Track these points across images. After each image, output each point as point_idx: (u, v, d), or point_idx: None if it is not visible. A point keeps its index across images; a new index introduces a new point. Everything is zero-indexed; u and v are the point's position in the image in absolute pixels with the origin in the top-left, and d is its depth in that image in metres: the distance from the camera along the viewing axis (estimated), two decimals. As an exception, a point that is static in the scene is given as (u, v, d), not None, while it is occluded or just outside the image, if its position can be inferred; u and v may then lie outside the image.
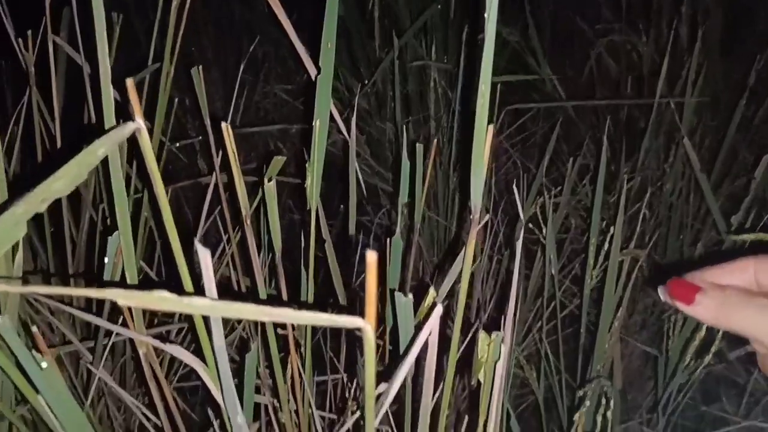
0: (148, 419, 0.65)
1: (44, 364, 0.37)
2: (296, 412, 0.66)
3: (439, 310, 0.41)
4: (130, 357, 0.81)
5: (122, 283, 0.57)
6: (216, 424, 0.65)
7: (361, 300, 0.98)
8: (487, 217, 0.52)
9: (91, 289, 0.31)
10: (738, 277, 0.42)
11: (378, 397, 0.43)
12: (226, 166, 0.60)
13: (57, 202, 0.79)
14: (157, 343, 0.49)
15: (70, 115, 0.77)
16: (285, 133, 1.14)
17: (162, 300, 0.30)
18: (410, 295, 0.51)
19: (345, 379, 0.86)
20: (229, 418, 0.48)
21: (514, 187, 0.60)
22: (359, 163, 1.25)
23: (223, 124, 0.50)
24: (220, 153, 0.72)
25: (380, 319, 0.73)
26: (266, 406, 0.75)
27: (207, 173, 0.85)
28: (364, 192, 0.73)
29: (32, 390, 0.39)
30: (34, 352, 0.38)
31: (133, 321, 0.51)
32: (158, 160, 0.86)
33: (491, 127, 0.43)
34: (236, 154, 0.52)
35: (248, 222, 0.51)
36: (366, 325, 0.31)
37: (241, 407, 0.57)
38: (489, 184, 1.03)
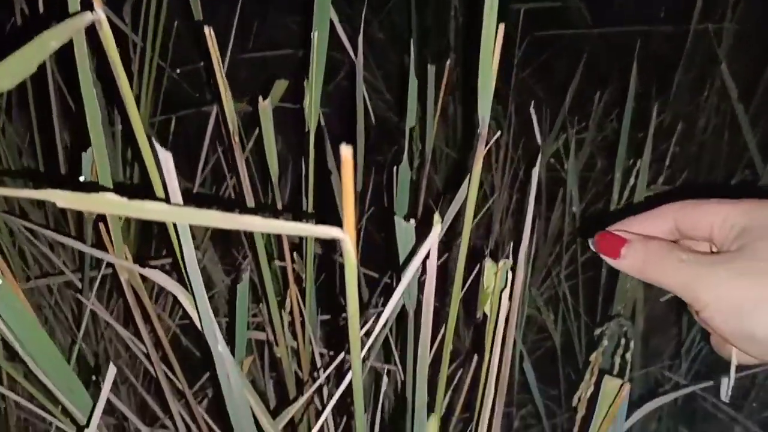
0: (151, 362, 0.62)
1: (-1, 281, 0.34)
2: (296, 348, 0.63)
3: (437, 229, 0.37)
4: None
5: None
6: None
7: (368, 233, 0.94)
8: (498, 134, 0.47)
9: (28, 190, 0.28)
10: (659, 225, 0.41)
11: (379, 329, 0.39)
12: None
13: (50, 120, 0.75)
14: (137, 267, 0.46)
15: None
16: (293, 62, 1.09)
17: (106, 203, 0.26)
18: (412, 221, 0.47)
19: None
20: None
21: (532, 109, 0.55)
22: (374, 99, 1.20)
23: (206, 29, 0.45)
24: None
25: (391, 260, 0.69)
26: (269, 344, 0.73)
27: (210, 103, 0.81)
28: (373, 119, 0.68)
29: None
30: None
31: (113, 246, 0.48)
32: (158, 86, 0.82)
33: (502, 26, 0.38)
34: (221, 62, 0.48)
35: (236, 139, 0.47)
36: (344, 236, 0.27)
37: (234, 340, 0.55)
38: (509, 118, 0.98)
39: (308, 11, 0.53)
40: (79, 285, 0.67)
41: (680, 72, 0.98)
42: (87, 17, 0.34)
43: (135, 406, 0.89)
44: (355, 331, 0.32)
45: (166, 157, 0.31)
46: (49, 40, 0.33)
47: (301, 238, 0.72)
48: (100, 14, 0.34)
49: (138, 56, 0.75)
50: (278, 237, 0.71)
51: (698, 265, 0.36)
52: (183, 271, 0.43)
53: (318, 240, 0.85)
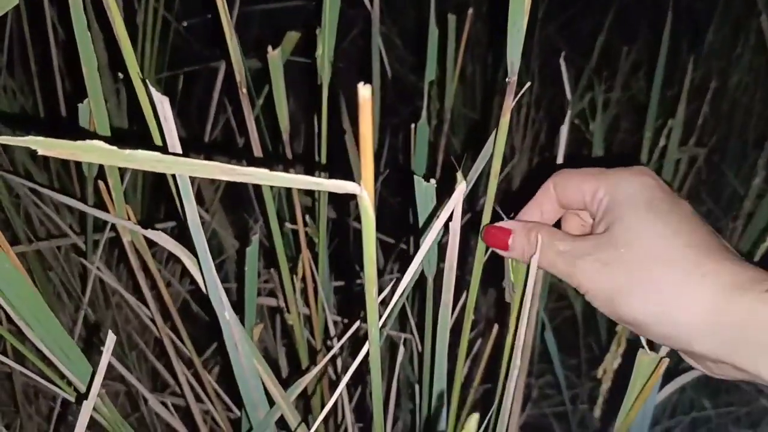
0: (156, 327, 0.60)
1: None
2: (308, 315, 0.61)
3: (462, 188, 0.34)
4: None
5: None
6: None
7: (382, 197, 0.91)
8: (528, 85, 0.43)
9: (6, 137, 0.25)
10: (548, 201, 0.40)
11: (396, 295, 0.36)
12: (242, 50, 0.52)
13: (51, 76, 0.72)
14: (138, 228, 0.43)
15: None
16: (306, 15, 1.04)
17: (91, 149, 0.23)
18: (433, 181, 0.44)
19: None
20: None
21: (561, 60, 0.51)
22: (391, 57, 1.15)
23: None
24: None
25: (406, 225, 0.66)
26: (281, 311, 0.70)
27: (219, 58, 0.77)
28: (389, 75, 0.64)
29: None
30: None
31: (114, 206, 0.45)
32: (164, 40, 0.78)
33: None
34: (229, 13, 0.44)
35: (243, 90, 0.43)
36: (361, 190, 0.24)
37: (243, 306, 0.52)
38: (531, 76, 0.93)
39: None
40: (84, 248, 0.65)
41: (714, 26, 0.92)
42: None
43: (147, 374, 0.88)
44: (372, 296, 0.29)
45: (162, 101, 0.28)
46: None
47: (313, 200, 0.69)
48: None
49: (143, 8, 0.71)
50: (290, 199, 0.68)
51: (573, 256, 0.36)
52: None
53: (331, 203, 0.82)
